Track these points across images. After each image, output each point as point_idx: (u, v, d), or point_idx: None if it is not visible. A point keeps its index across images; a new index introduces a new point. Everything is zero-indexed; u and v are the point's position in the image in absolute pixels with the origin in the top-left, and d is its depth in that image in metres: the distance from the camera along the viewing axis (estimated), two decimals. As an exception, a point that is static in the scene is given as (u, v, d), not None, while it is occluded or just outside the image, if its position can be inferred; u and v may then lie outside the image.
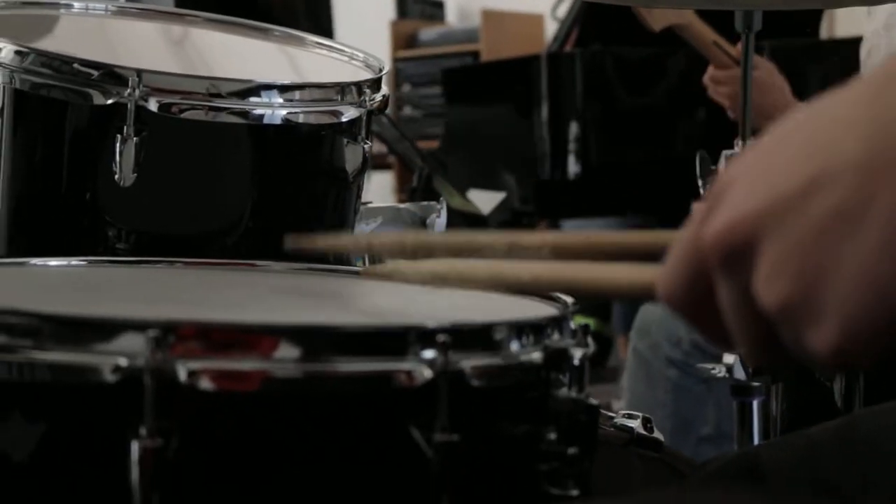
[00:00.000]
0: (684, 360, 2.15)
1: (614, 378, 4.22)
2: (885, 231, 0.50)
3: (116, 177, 1.19)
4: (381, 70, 1.37)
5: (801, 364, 0.56)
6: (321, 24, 3.91)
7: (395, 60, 6.18)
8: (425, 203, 1.52)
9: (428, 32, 6.33)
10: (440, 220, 1.50)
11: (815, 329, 0.53)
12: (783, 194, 0.53)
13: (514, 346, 0.82)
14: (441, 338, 0.77)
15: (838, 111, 0.53)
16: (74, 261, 1.11)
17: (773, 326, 0.55)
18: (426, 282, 0.81)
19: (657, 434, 1.39)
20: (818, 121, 0.54)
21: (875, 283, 0.51)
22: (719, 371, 1.52)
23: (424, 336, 0.77)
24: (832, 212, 0.51)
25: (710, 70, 2.20)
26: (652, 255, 0.68)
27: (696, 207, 0.58)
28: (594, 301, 4.09)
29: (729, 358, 1.47)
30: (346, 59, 1.45)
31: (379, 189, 5.59)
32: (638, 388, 2.30)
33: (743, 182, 0.55)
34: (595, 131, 3.67)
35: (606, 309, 4.47)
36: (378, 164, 5.08)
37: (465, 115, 4.26)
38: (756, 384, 1.46)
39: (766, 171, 0.55)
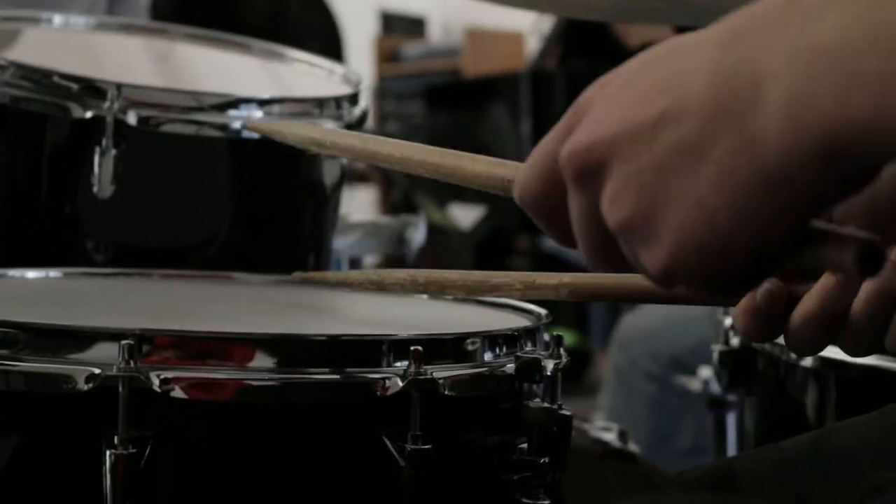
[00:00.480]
0: (663, 375, 2.16)
1: (593, 392, 4.23)
2: (721, 169, 0.54)
3: (95, 189, 1.20)
4: (359, 84, 1.37)
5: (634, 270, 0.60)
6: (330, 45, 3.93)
7: (379, 76, 6.20)
8: (403, 217, 1.53)
9: (411, 48, 6.35)
10: (418, 235, 1.51)
11: (649, 249, 0.58)
12: (637, 123, 0.57)
13: (487, 356, 0.83)
14: (413, 348, 0.78)
15: (696, 52, 0.57)
16: (52, 272, 1.12)
17: (615, 240, 0.60)
18: (306, 145, 0.86)
19: (632, 446, 1.40)
20: (676, 57, 0.58)
21: (706, 214, 0.55)
22: (695, 384, 1.53)
23: (397, 346, 0.78)
24: (676, 145, 0.56)
25: None
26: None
27: (561, 120, 0.63)
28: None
29: (705, 371, 1.48)
30: (325, 73, 1.46)
31: (361, 203, 5.59)
32: (617, 403, 2.31)
33: (601, 105, 0.60)
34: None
35: (586, 323, 4.48)
36: (360, 177, 5.08)
37: (449, 131, 4.27)
38: (731, 398, 1.46)
39: (623, 98, 0.59)
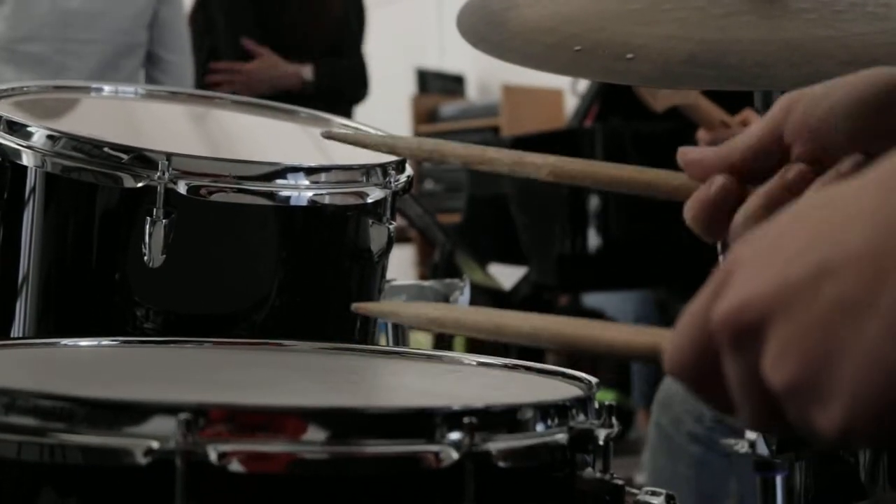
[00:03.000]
0: (707, 435, 2.14)
1: (636, 451, 4.20)
2: (890, 320, 0.52)
3: (146, 258, 1.21)
4: (405, 151, 1.39)
5: (804, 436, 0.58)
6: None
7: (416, 135, 6.23)
8: (448, 280, 1.54)
9: (449, 107, 6.39)
10: (463, 298, 1.52)
11: (821, 410, 0.55)
12: (792, 280, 0.55)
13: (540, 427, 0.83)
14: (467, 420, 0.78)
15: (847, 200, 0.56)
16: (105, 341, 1.13)
17: (780, 404, 0.57)
18: (422, 325, 0.83)
19: (681, 512, 1.39)
20: (827, 208, 0.57)
21: (881, 366, 0.53)
22: (742, 447, 1.52)
23: (451, 418, 0.78)
24: (839, 299, 0.54)
25: (701, 133, 2.21)
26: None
27: (707, 283, 0.61)
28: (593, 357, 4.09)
29: (752, 434, 1.47)
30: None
31: (400, 263, 5.61)
32: (660, 463, 2.29)
33: (752, 263, 0.58)
34: (615, 205, 3.69)
35: (627, 382, 4.46)
36: (399, 238, 5.09)
37: (488, 190, 4.28)
38: (779, 460, 1.45)
39: (775, 255, 0.57)
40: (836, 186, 0.57)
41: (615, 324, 0.72)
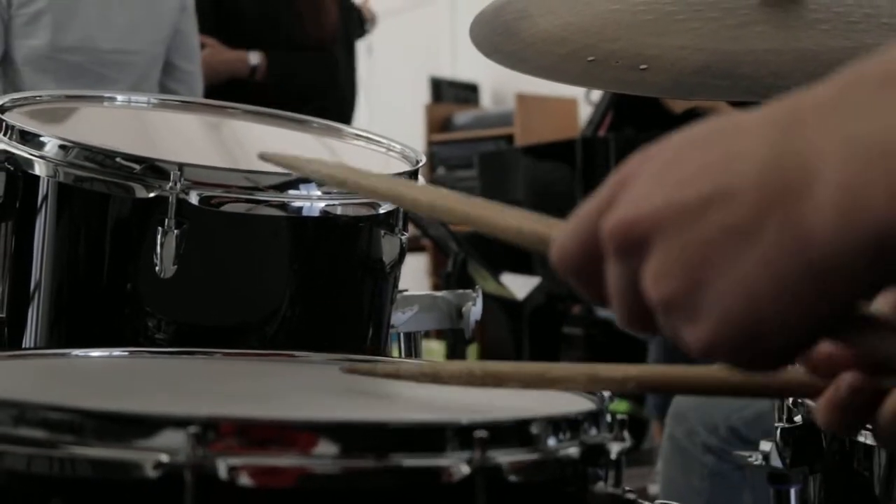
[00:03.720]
0: (721, 447, 2.14)
1: (649, 461, 4.19)
2: (768, 254, 0.55)
3: (157, 268, 1.21)
4: (417, 162, 1.38)
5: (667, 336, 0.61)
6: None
7: (430, 143, 6.23)
8: (461, 291, 1.53)
9: (462, 116, 6.39)
10: (476, 309, 1.51)
11: (691, 326, 0.59)
12: (682, 201, 0.58)
13: (551, 441, 0.82)
14: (478, 434, 0.77)
15: (747, 134, 0.58)
16: (116, 352, 1.13)
17: (652, 313, 0.61)
18: (327, 180, 0.85)
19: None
20: (727, 138, 0.59)
21: (750, 295, 0.56)
22: (756, 458, 1.51)
23: (462, 432, 0.78)
24: (724, 227, 0.57)
25: None
26: None
27: (600, 188, 0.64)
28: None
29: (766, 445, 1.46)
30: (383, 150, 1.48)
31: (413, 272, 5.60)
32: (674, 474, 2.29)
33: (647, 178, 0.61)
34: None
35: (641, 393, 4.45)
36: (412, 247, 5.10)
37: (500, 198, 4.28)
38: (794, 472, 1.45)
39: (669, 174, 0.60)
40: (735, 116, 0.59)
41: (514, 210, 0.75)
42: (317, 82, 3.84)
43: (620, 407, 4.24)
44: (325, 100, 3.77)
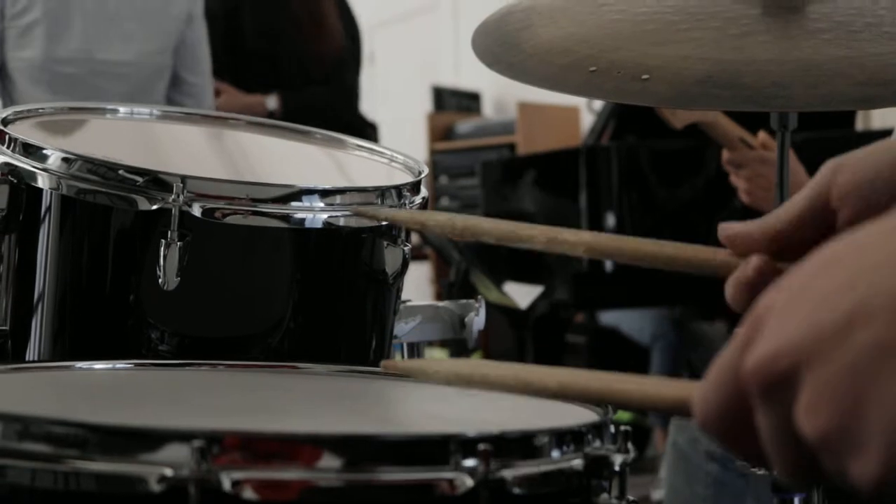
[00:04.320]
0: (724, 455, 2.13)
1: (652, 469, 4.19)
2: None
3: (160, 280, 1.21)
4: (420, 173, 1.39)
5: (841, 488, 0.57)
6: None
7: (432, 152, 6.24)
8: (464, 301, 1.53)
9: (464, 125, 6.39)
10: (479, 319, 1.51)
11: (857, 459, 0.54)
12: (825, 326, 0.54)
13: (555, 453, 0.83)
14: (482, 446, 0.77)
15: (877, 241, 0.55)
16: (119, 364, 1.13)
17: (814, 454, 0.56)
18: (450, 382, 0.82)
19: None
20: (857, 250, 0.56)
21: None
22: (759, 467, 1.51)
23: (466, 445, 0.78)
24: (872, 345, 0.53)
25: (726, 154, 2.21)
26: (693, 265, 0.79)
27: (736, 332, 0.59)
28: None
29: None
30: (386, 161, 1.48)
31: (416, 281, 5.61)
32: (677, 482, 2.29)
33: (784, 310, 0.57)
34: (632, 223, 3.69)
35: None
36: (415, 255, 5.10)
37: (502, 207, 4.28)
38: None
39: (806, 301, 0.56)
40: (865, 230, 0.57)
41: (643, 377, 0.71)
42: (334, 111, 3.85)
43: (623, 416, 4.25)
44: (344, 124, 3.78)
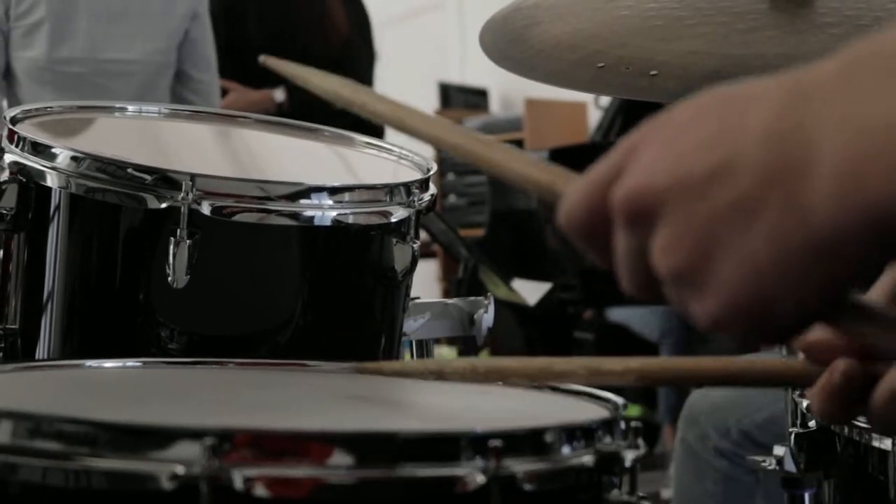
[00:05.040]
0: (733, 451, 2.13)
1: (662, 465, 4.18)
2: (772, 230, 0.56)
3: (169, 278, 1.21)
4: (429, 170, 1.39)
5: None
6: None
7: (440, 149, 6.23)
8: (472, 298, 1.53)
9: (472, 121, 6.38)
10: (488, 316, 1.51)
11: (698, 299, 0.60)
12: (690, 175, 0.59)
13: (566, 449, 0.82)
14: (493, 443, 0.77)
15: (753, 107, 0.58)
16: (129, 362, 1.13)
17: (659, 281, 0.62)
18: (332, 97, 0.88)
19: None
20: (733, 109, 0.59)
21: (756, 269, 0.57)
22: (769, 463, 1.51)
23: (476, 442, 0.78)
24: (730, 201, 0.57)
25: None
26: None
27: (610, 154, 0.64)
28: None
29: (779, 450, 1.46)
30: (394, 158, 1.48)
31: (424, 278, 5.60)
32: (686, 479, 2.28)
33: (655, 148, 0.61)
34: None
35: (653, 396, 4.44)
36: (423, 252, 5.10)
37: (511, 204, 4.28)
38: (808, 476, 1.44)
39: (678, 144, 0.60)
40: (741, 86, 0.60)
41: (524, 155, 0.75)
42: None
43: (632, 411, 4.24)
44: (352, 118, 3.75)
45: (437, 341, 1.66)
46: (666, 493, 3.80)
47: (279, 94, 3.75)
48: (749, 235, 0.57)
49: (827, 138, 0.54)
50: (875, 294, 0.74)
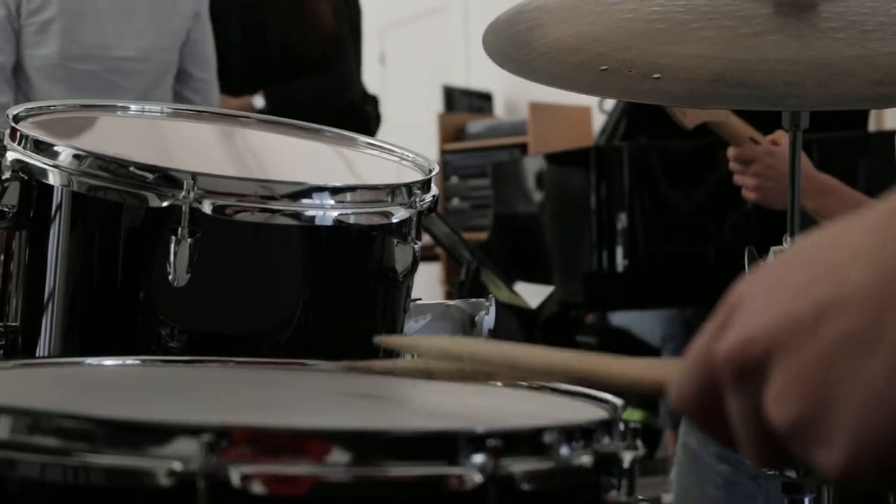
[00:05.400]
0: (735, 456, 2.13)
1: (663, 471, 4.18)
2: (893, 357, 0.52)
3: (170, 277, 1.21)
4: (430, 171, 1.39)
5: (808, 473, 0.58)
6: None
7: (443, 153, 6.24)
8: (474, 300, 1.53)
9: (476, 125, 6.39)
10: (489, 318, 1.51)
11: (824, 449, 0.55)
12: (795, 316, 0.55)
13: (565, 450, 0.82)
14: (491, 442, 0.77)
15: (850, 237, 0.56)
16: (129, 360, 1.13)
17: (782, 442, 0.57)
18: (439, 357, 0.84)
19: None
20: (831, 245, 0.56)
21: (883, 406, 0.52)
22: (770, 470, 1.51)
23: (475, 441, 0.78)
24: (842, 337, 0.53)
25: (732, 151, 2.20)
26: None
27: (712, 317, 0.60)
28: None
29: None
30: (396, 159, 1.48)
31: (427, 281, 5.60)
32: (687, 483, 2.28)
33: (756, 299, 0.58)
34: (643, 224, 3.68)
35: (655, 401, 4.44)
36: (426, 255, 5.10)
37: (514, 208, 4.28)
38: (807, 481, 1.45)
39: (779, 290, 0.57)
40: (840, 224, 0.57)
41: (626, 359, 0.71)
42: (324, 102, 3.82)
43: (634, 416, 4.24)
44: (336, 115, 3.74)
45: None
46: (667, 498, 3.80)
47: (258, 101, 3.75)
48: (868, 369, 0.53)
49: None
50: None
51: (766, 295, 0.57)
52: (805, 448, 0.56)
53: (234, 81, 3.73)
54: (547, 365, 0.76)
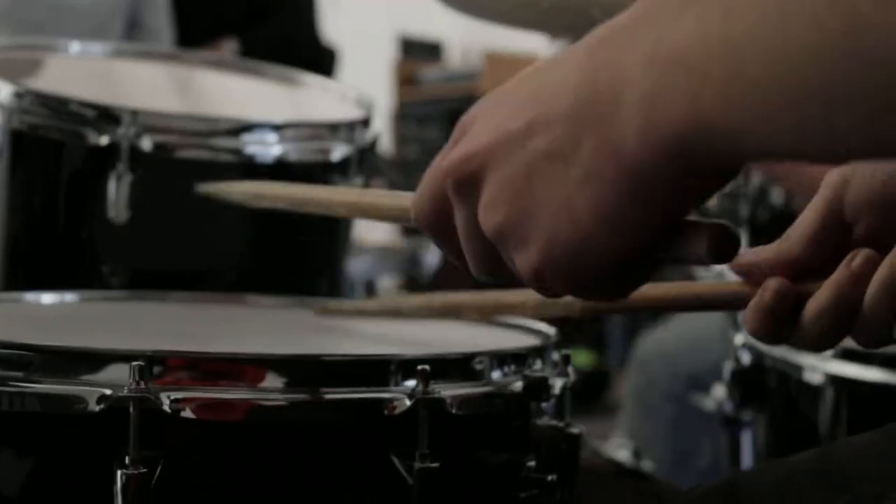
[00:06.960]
0: (681, 395, 2.16)
1: (612, 413, 4.22)
2: (586, 170, 0.57)
3: (111, 214, 1.21)
4: (371, 108, 1.39)
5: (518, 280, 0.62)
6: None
7: (399, 99, 6.22)
8: (418, 238, 1.54)
9: (429, 72, 6.37)
10: (431, 256, 1.52)
11: (522, 251, 0.60)
12: (507, 132, 0.60)
13: (495, 375, 0.84)
14: (421, 367, 0.78)
15: (559, 67, 0.60)
16: (68, 296, 1.13)
17: (495, 248, 0.62)
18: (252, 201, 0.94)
19: (646, 464, 1.40)
20: (544, 73, 0.61)
21: (572, 215, 0.58)
22: (710, 404, 1.54)
23: (405, 366, 0.79)
24: (544, 152, 0.58)
25: None
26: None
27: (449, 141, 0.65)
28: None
29: (719, 390, 1.48)
30: (338, 97, 1.48)
31: (382, 227, 5.59)
32: (636, 423, 2.31)
33: (481, 120, 0.63)
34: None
35: (603, 344, 4.48)
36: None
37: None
38: (745, 416, 1.47)
39: (497, 111, 0.62)
40: (554, 56, 0.61)
41: (387, 192, 0.77)
42: (291, 44, 3.78)
43: (582, 358, 4.27)
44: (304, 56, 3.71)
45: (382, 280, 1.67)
46: (616, 440, 3.83)
47: (229, 48, 3.71)
48: (564, 182, 0.57)
49: (631, 72, 0.55)
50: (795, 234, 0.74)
51: (489, 115, 0.62)
52: (509, 252, 0.61)
53: (193, 30, 3.68)
54: (326, 199, 0.87)
